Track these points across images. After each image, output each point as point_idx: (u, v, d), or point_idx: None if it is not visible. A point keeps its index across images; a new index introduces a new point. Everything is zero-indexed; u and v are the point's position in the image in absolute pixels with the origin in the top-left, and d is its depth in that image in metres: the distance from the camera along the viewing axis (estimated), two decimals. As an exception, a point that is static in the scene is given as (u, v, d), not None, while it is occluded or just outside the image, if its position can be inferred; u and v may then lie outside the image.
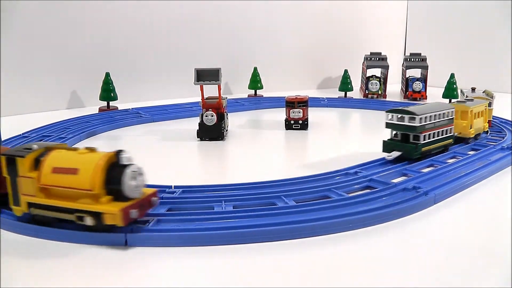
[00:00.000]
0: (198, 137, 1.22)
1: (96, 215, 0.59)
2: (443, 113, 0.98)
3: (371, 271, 0.54)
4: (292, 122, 1.35)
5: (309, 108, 1.37)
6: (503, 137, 1.13)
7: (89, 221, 0.60)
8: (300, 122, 1.35)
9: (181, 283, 0.52)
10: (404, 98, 1.97)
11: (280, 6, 2.20)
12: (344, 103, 1.83)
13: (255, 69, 1.99)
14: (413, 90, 1.93)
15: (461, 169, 0.88)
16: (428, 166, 0.93)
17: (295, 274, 0.54)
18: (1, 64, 1.53)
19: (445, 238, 0.63)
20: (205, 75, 1.18)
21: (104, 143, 1.23)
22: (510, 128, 1.23)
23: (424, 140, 0.93)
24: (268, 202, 0.72)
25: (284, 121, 1.36)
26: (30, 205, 0.63)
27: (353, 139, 1.33)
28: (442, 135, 0.99)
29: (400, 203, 0.70)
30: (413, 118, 0.91)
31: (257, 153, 1.14)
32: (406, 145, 0.93)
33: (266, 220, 0.64)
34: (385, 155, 0.95)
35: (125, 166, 0.61)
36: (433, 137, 0.96)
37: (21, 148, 0.65)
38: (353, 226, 0.65)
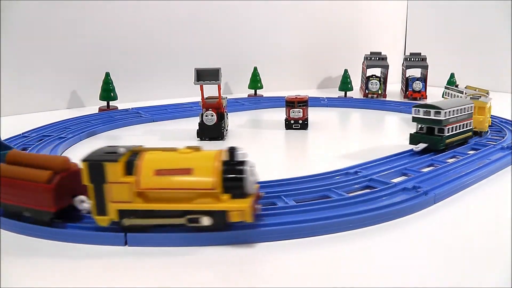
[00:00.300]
0: (198, 137, 1.22)
1: (215, 214, 0.58)
2: (464, 108, 1.05)
3: (371, 271, 0.54)
4: (292, 121, 1.35)
5: (309, 107, 1.37)
6: (503, 137, 1.13)
7: (206, 221, 0.58)
8: (300, 122, 1.35)
9: (181, 283, 0.52)
10: (404, 97, 1.97)
11: (280, 6, 2.20)
12: (344, 102, 1.83)
13: (255, 69, 1.99)
14: (413, 90, 1.93)
15: (461, 168, 0.88)
16: (428, 166, 0.93)
17: (295, 273, 0.54)
18: (1, 64, 1.53)
19: (445, 238, 0.63)
20: (205, 75, 1.18)
21: (104, 143, 1.23)
22: (510, 128, 1.23)
23: (448, 132, 1.00)
24: (268, 201, 0.72)
25: (284, 121, 1.36)
26: (122, 212, 0.59)
27: (353, 139, 1.33)
28: (463, 128, 1.06)
29: (400, 203, 0.70)
30: (439, 113, 0.98)
31: (257, 153, 1.13)
32: (432, 137, 1.00)
33: (266, 220, 0.64)
34: (411, 147, 1.01)
35: (243, 162, 0.60)
36: (456, 130, 1.03)
37: (100, 153, 0.60)
38: (353, 226, 0.65)
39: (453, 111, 1.01)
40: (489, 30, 2.27)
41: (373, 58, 2.10)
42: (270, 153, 1.14)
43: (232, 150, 0.60)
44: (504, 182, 0.85)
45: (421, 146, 0.99)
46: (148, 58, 1.89)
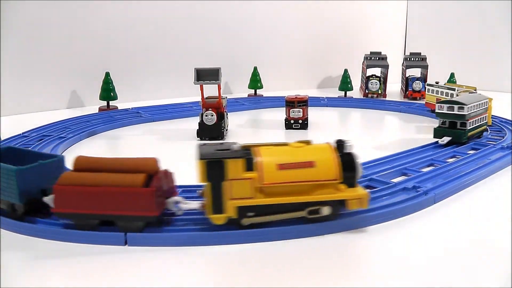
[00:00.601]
0: (198, 137, 1.22)
1: (334, 204, 0.61)
2: (481, 103, 1.13)
3: (371, 271, 0.54)
4: (292, 121, 1.35)
5: (309, 107, 1.37)
6: (503, 137, 1.13)
7: (326, 211, 0.61)
8: (300, 121, 1.35)
9: (180, 282, 0.52)
10: (404, 97, 1.97)
11: (280, 5, 2.20)
12: (344, 102, 1.83)
13: (255, 68, 1.99)
14: (413, 90, 1.93)
15: (461, 168, 0.88)
16: (428, 166, 0.93)
17: (295, 273, 0.54)
18: (1, 64, 1.53)
19: (445, 238, 0.63)
20: (205, 75, 1.18)
21: (104, 142, 1.23)
22: (510, 128, 1.23)
23: (469, 126, 1.07)
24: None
25: (284, 121, 1.36)
26: (242, 209, 0.59)
27: (353, 139, 1.32)
28: (480, 122, 1.13)
29: (400, 203, 0.70)
30: (462, 108, 1.05)
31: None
32: (456, 131, 1.07)
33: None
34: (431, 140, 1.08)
35: (351, 154, 0.63)
36: (475, 124, 1.11)
37: (212, 151, 0.59)
38: (352, 226, 0.65)
39: (474, 106, 1.08)
40: (489, 30, 2.27)
41: (373, 58, 2.10)
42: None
43: (341, 143, 0.64)
44: (504, 182, 0.85)
45: (446, 139, 1.06)
46: (148, 58, 1.89)
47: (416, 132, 1.33)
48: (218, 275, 0.54)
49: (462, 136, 1.06)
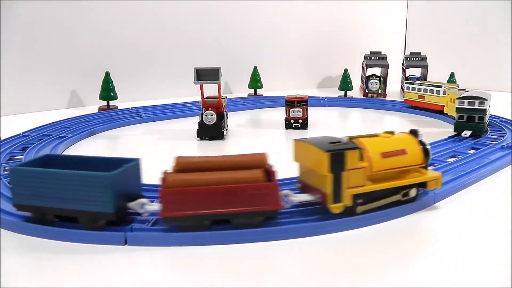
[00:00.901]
0: (198, 137, 1.22)
1: (418, 186, 0.69)
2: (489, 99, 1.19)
3: (370, 271, 0.54)
4: (292, 121, 1.35)
5: (309, 107, 1.37)
6: (503, 136, 1.13)
7: (413, 193, 0.69)
8: (300, 121, 1.35)
9: (180, 282, 0.52)
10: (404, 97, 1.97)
11: (280, 5, 2.20)
12: (344, 102, 1.83)
13: (255, 68, 1.99)
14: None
15: (461, 168, 0.88)
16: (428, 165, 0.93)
17: (295, 273, 0.54)
18: (2, 64, 1.53)
19: (445, 238, 0.63)
20: (205, 75, 1.18)
21: (104, 142, 1.23)
22: (510, 127, 1.23)
23: (486, 120, 1.14)
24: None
25: (284, 120, 1.36)
26: (355, 196, 0.64)
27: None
28: (488, 116, 1.21)
29: (399, 202, 0.70)
30: (483, 103, 1.13)
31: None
32: (477, 125, 1.13)
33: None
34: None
35: (424, 141, 0.72)
36: (487, 118, 1.18)
37: (326, 143, 0.64)
38: (352, 226, 0.65)
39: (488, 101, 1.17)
40: (489, 29, 2.27)
41: (373, 58, 2.10)
42: (270, 152, 1.14)
43: (415, 132, 0.72)
44: (504, 181, 0.85)
45: (468, 132, 1.13)
46: (148, 58, 1.89)
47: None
48: (218, 275, 0.53)
49: (482, 129, 1.13)
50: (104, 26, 1.76)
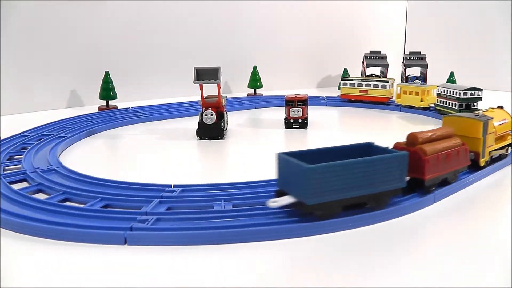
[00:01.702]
0: (197, 136, 1.22)
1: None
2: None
3: (370, 271, 0.54)
4: (291, 121, 1.35)
5: (308, 106, 1.37)
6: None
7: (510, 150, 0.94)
8: (300, 121, 1.35)
9: (180, 282, 0.52)
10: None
11: (280, 5, 2.20)
12: (344, 101, 1.83)
13: (255, 68, 1.99)
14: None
15: (460, 168, 0.88)
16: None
17: (294, 273, 0.54)
18: (1, 64, 1.52)
19: (445, 238, 0.63)
20: (205, 74, 1.18)
21: (104, 142, 1.23)
22: (509, 127, 1.23)
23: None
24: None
25: (283, 120, 1.36)
26: (489, 153, 0.87)
27: (352, 138, 1.32)
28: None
29: (399, 202, 0.70)
30: (480, 93, 1.35)
31: (257, 152, 1.14)
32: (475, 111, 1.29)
33: (266, 220, 0.64)
34: None
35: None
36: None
37: (474, 115, 0.86)
38: (351, 226, 0.65)
39: None
40: (489, 29, 2.27)
41: (372, 57, 2.10)
42: (269, 152, 1.14)
43: (502, 107, 0.96)
44: (504, 181, 0.85)
45: None
46: (147, 58, 1.89)
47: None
48: (219, 275, 0.53)
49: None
50: (104, 26, 1.76)
